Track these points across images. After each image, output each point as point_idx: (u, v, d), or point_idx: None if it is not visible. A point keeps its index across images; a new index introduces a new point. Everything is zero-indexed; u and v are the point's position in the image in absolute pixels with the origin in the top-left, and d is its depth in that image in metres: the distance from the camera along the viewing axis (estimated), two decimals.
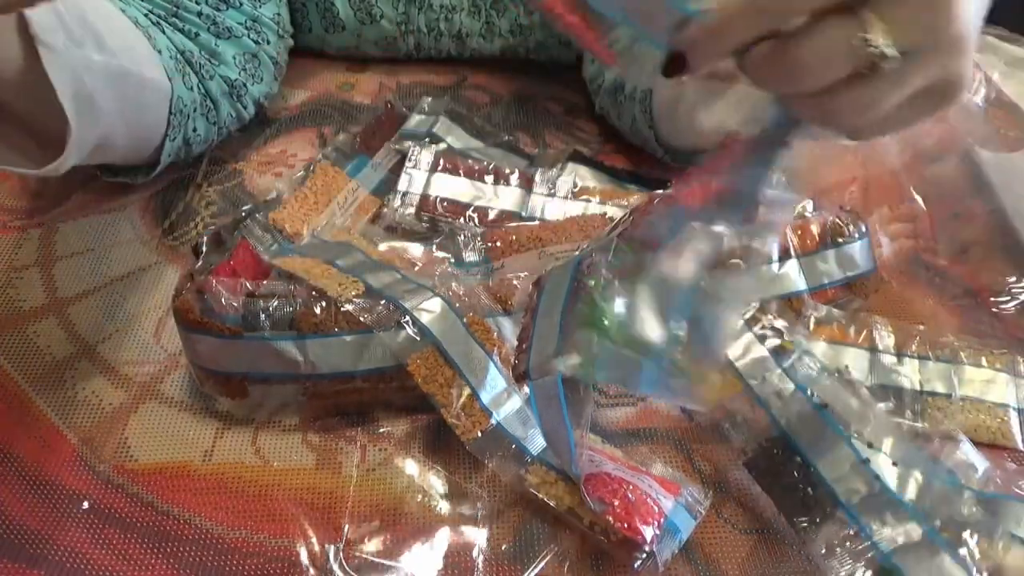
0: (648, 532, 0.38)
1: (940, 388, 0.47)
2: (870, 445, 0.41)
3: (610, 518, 0.38)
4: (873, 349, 0.48)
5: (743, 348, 0.43)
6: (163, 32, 0.52)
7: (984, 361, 0.48)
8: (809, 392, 0.42)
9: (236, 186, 0.58)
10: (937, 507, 0.40)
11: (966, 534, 0.39)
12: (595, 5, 0.29)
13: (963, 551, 0.39)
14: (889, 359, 0.48)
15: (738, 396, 0.44)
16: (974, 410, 0.47)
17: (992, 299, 0.55)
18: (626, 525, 0.38)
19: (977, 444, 0.45)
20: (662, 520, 0.38)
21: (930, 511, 0.39)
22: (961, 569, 0.37)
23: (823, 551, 0.39)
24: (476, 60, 0.70)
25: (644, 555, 0.38)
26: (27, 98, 0.40)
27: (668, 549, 0.39)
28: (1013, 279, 0.56)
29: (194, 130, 0.54)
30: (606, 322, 0.32)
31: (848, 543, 0.39)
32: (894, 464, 0.40)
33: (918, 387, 0.47)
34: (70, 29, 0.40)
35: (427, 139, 0.59)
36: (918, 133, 0.64)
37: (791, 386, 0.42)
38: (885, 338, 0.49)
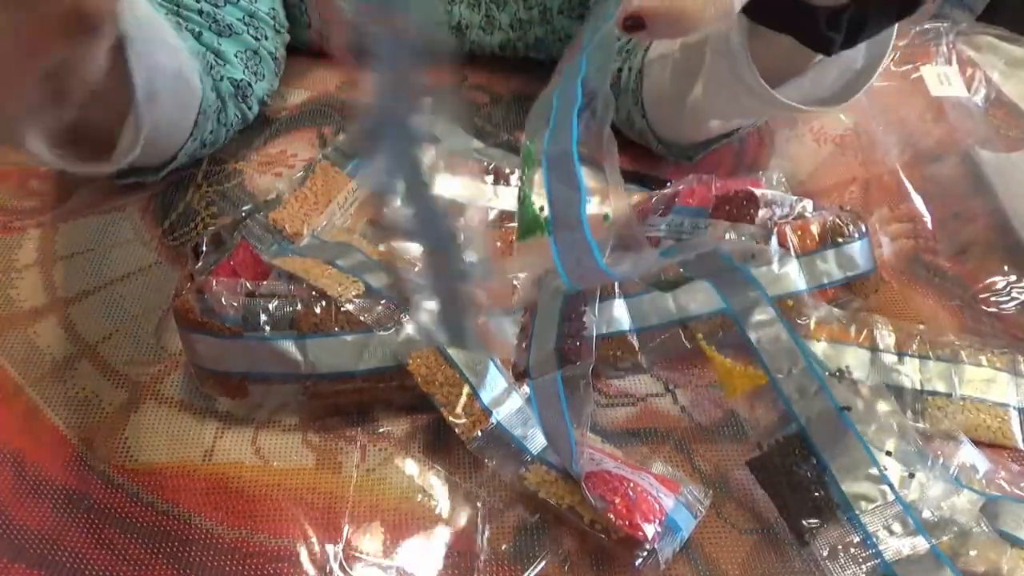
0: (650, 530, 0.38)
1: (941, 387, 0.47)
2: (888, 453, 0.41)
3: (611, 516, 0.38)
4: (874, 348, 0.48)
5: (772, 339, 0.43)
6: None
7: (985, 361, 0.48)
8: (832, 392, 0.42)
9: (236, 186, 0.58)
10: (942, 519, 0.40)
11: (973, 553, 0.39)
12: None
13: (965, 562, 0.39)
14: (890, 358, 0.48)
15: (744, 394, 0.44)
16: (974, 409, 0.47)
17: (992, 299, 0.55)
18: (627, 523, 0.38)
19: (977, 443, 0.45)
20: (663, 518, 0.38)
21: (936, 524, 0.39)
22: None
23: (826, 553, 0.39)
24: (476, 56, 0.70)
25: (646, 553, 0.38)
26: (99, 97, 0.41)
27: (669, 547, 0.39)
28: (1013, 279, 0.56)
29: (209, 132, 0.55)
30: (543, 215, 0.31)
31: (852, 549, 0.39)
32: (910, 475, 0.40)
33: (918, 386, 0.47)
34: (145, 29, 0.41)
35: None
36: (918, 133, 0.65)
37: (815, 384, 0.42)
38: (886, 337, 0.49)
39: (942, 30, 0.70)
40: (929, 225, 0.59)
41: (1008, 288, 0.56)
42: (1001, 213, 0.60)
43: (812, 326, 0.49)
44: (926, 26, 0.71)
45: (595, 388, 0.47)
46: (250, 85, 0.58)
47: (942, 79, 0.67)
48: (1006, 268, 0.57)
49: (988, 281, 0.56)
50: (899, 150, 0.64)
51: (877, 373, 0.48)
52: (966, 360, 0.48)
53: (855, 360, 0.48)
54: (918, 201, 0.60)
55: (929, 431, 0.45)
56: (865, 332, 0.49)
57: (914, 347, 0.48)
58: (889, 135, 0.65)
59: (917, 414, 0.46)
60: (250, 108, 0.59)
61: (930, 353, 0.48)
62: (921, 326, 0.50)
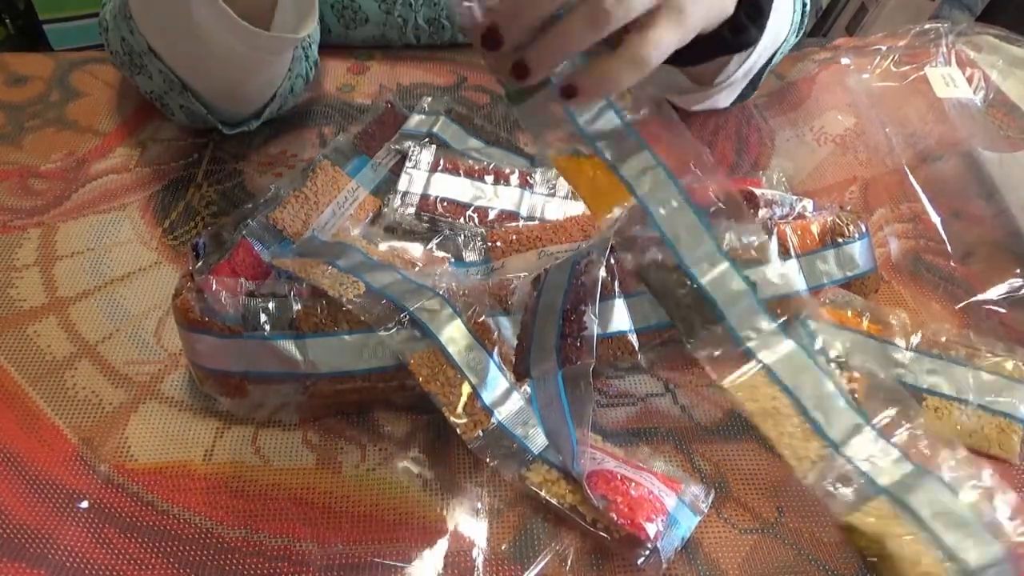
0: (651, 528, 0.38)
1: (945, 389, 0.46)
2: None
3: (613, 515, 0.38)
4: (882, 341, 0.48)
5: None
6: None
7: (998, 367, 0.47)
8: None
9: (236, 186, 0.58)
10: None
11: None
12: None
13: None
14: (898, 353, 0.48)
15: None
16: (975, 416, 0.46)
17: (1001, 301, 0.55)
18: (629, 522, 0.38)
19: (973, 452, 0.44)
20: (665, 517, 0.38)
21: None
22: None
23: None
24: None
25: (648, 552, 0.38)
26: None
27: (671, 546, 0.39)
28: (1020, 281, 0.55)
29: (296, 75, 0.58)
30: None
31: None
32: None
33: (921, 384, 0.47)
34: None
35: (427, 139, 0.59)
36: (919, 133, 0.65)
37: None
38: (897, 331, 0.48)
39: (942, 30, 0.70)
40: (938, 226, 0.59)
41: (1019, 290, 0.55)
42: (1007, 214, 0.59)
43: (824, 310, 0.48)
44: (926, 26, 0.71)
45: (595, 388, 0.47)
46: (311, 46, 0.60)
47: (947, 80, 0.67)
48: (1018, 271, 0.56)
49: (996, 284, 0.56)
50: (900, 150, 0.64)
51: (882, 366, 0.47)
52: (980, 365, 0.47)
53: (860, 348, 0.47)
54: (925, 200, 0.60)
55: (924, 433, 0.45)
56: (879, 323, 0.48)
57: (926, 345, 0.48)
58: (891, 135, 0.65)
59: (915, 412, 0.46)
60: (311, 68, 0.61)
61: (935, 352, 0.48)
62: (946, 325, 0.50)
